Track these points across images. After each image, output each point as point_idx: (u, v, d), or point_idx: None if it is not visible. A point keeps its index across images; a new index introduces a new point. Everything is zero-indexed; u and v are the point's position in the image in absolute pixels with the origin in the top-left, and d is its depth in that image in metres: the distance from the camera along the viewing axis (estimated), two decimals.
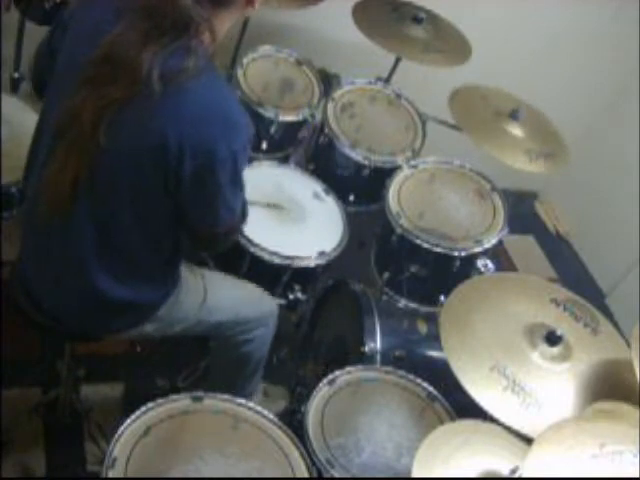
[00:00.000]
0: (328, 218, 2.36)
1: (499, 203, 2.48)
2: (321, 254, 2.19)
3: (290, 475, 1.60)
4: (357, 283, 2.31)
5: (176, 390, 1.99)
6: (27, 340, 2.27)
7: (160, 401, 1.63)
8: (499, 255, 3.04)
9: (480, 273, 2.19)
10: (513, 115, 2.43)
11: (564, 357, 1.66)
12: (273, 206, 2.27)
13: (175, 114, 1.45)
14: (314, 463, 1.65)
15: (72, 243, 1.61)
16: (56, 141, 1.51)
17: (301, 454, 1.64)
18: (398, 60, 2.75)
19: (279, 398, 2.39)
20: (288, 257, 2.14)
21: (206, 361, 2.34)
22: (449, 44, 2.68)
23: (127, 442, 1.54)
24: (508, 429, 1.56)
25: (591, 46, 3.26)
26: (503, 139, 2.41)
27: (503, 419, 1.55)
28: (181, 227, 1.66)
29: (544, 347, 1.65)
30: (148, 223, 1.60)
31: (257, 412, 1.68)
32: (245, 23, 2.69)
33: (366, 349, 2.08)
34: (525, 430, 1.54)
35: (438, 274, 2.32)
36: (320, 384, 1.85)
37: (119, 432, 1.54)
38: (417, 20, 2.64)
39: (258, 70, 2.61)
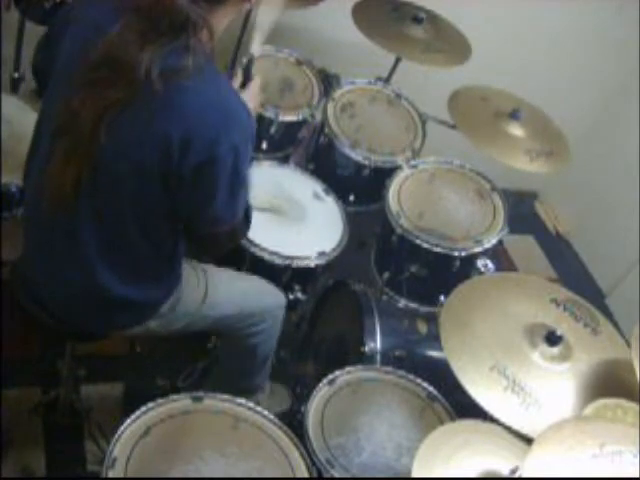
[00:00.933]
0: (328, 218, 2.36)
1: (499, 203, 2.48)
2: (321, 254, 2.19)
3: (290, 475, 1.60)
4: (357, 283, 2.31)
5: (176, 390, 2.00)
6: (27, 340, 2.27)
7: (160, 401, 1.63)
8: (499, 255, 3.03)
9: (480, 273, 2.19)
10: (513, 115, 2.44)
11: (564, 357, 1.66)
12: (272, 210, 2.27)
13: (177, 112, 1.45)
14: (314, 463, 1.65)
15: (75, 241, 1.61)
16: (56, 141, 1.51)
17: (301, 454, 1.64)
18: (398, 60, 2.75)
19: (285, 397, 2.39)
20: (288, 257, 2.14)
21: (205, 362, 2.34)
22: (449, 44, 2.68)
23: (127, 442, 1.54)
24: (508, 429, 1.56)
25: (591, 46, 3.26)
26: (504, 139, 2.41)
27: (503, 419, 1.55)
28: (182, 227, 1.66)
29: (544, 347, 1.65)
30: (149, 221, 1.60)
31: (257, 412, 1.68)
32: (245, 23, 2.69)
33: (366, 349, 2.08)
34: (525, 430, 1.54)
35: (438, 274, 2.32)
36: (320, 384, 1.85)
37: (119, 432, 1.54)
38: (417, 20, 2.64)
39: (258, 70, 2.60)
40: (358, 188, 2.53)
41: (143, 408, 1.60)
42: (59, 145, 1.50)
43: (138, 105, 1.44)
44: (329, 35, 2.97)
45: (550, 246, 3.73)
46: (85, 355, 2.10)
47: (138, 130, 1.46)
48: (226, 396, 1.69)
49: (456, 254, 2.28)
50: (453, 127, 2.51)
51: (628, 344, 1.64)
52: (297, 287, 2.22)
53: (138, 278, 1.69)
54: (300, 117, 2.52)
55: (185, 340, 2.10)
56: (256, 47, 2.14)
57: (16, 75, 2.37)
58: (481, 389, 1.57)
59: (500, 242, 2.37)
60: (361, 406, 1.83)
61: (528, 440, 1.50)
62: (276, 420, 1.68)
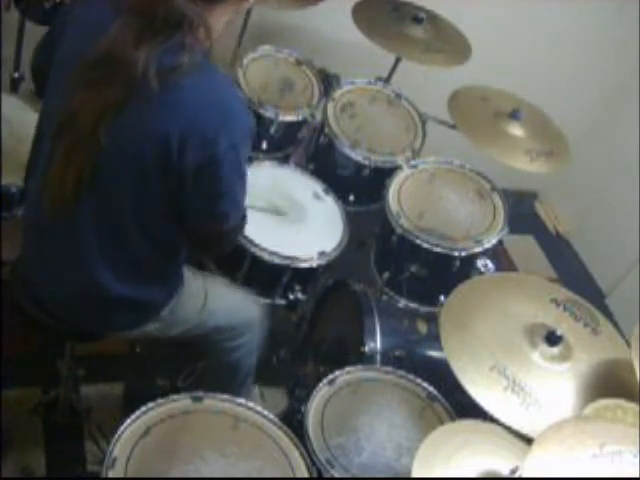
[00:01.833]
0: (328, 218, 2.36)
1: (499, 203, 2.48)
2: (321, 254, 2.19)
3: (290, 475, 1.60)
4: (357, 283, 2.31)
5: (176, 390, 2.00)
6: (27, 340, 2.27)
7: (160, 401, 1.63)
8: (499, 255, 3.03)
9: (480, 273, 2.19)
10: (513, 115, 2.44)
11: (564, 357, 1.66)
12: (272, 210, 2.27)
13: (174, 111, 1.45)
14: (314, 463, 1.65)
15: (75, 241, 1.61)
16: (56, 142, 1.51)
17: (301, 454, 1.64)
18: (398, 60, 2.75)
19: (277, 401, 2.39)
20: (288, 257, 2.14)
21: (205, 362, 2.34)
22: (449, 44, 2.68)
23: (127, 442, 1.54)
24: (508, 429, 1.56)
25: (591, 46, 3.26)
26: (504, 139, 2.41)
27: (503, 419, 1.55)
28: (183, 229, 1.65)
29: (544, 347, 1.65)
30: (149, 221, 1.60)
31: (257, 412, 1.68)
32: (245, 23, 2.70)
33: (366, 349, 2.08)
34: (525, 430, 1.54)
35: (438, 274, 2.32)
36: (320, 384, 1.85)
37: (119, 432, 1.54)
38: (417, 20, 2.64)
39: (258, 70, 2.61)
40: (358, 188, 2.53)
41: (143, 408, 1.60)
42: (59, 146, 1.50)
43: (136, 104, 1.43)
44: (329, 35, 2.97)
45: (550, 246, 3.73)
46: (85, 355, 2.10)
47: (136, 129, 1.46)
48: (226, 396, 1.69)
49: (456, 254, 2.28)
50: (453, 127, 2.51)
51: (628, 344, 1.64)
52: (297, 287, 2.22)
53: (138, 279, 1.69)
54: (300, 117, 2.52)
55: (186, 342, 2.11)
56: None
57: (16, 75, 2.37)
58: (481, 389, 1.57)
59: (500, 242, 2.37)
60: (361, 406, 1.83)
61: (528, 440, 1.50)
62: (276, 420, 1.68)
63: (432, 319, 2.22)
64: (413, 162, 2.53)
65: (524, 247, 3.65)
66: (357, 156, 2.47)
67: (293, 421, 1.95)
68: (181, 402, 1.65)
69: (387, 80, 2.78)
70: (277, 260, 2.13)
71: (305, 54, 2.71)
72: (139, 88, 1.41)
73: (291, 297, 2.22)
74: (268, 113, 2.46)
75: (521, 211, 3.68)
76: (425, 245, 2.27)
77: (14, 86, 2.39)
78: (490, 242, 2.32)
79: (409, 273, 2.35)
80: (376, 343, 2.10)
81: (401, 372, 1.93)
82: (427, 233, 2.30)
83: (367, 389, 1.88)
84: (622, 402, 1.55)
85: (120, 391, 2.38)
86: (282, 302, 2.23)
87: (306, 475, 1.61)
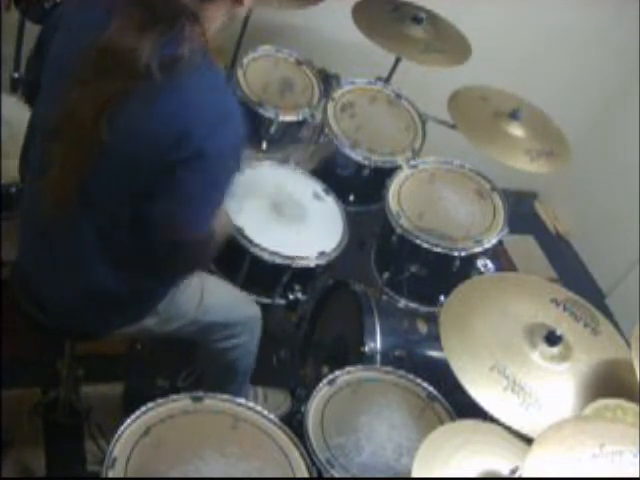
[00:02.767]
0: (328, 218, 2.36)
1: (499, 203, 2.48)
2: (321, 254, 2.19)
3: (290, 475, 1.60)
4: (357, 283, 2.31)
5: (176, 390, 2.00)
6: (27, 340, 2.27)
7: (160, 401, 1.62)
8: (499, 255, 3.03)
9: (480, 273, 2.19)
10: (513, 115, 2.44)
11: (564, 357, 1.66)
12: (272, 210, 2.26)
13: (170, 112, 1.43)
14: (314, 463, 1.65)
15: (74, 239, 1.60)
16: (53, 142, 1.50)
17: (301, 454, 1.63)
18: (398, 60, 2.75)
19: (282, 402, 2.39)
20: (288, 257, 2.14)
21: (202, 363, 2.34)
22: (449, 44, 2.68)
23: (127, 442, 1.53)
24: (508, 429, 1.56)
25: (591, 46, 3.26)
26: (504, 139, 2.41)
27: (503, 419, 1.55)
28: (142, 229, 1.57)
29: (544, 347, 1.65)
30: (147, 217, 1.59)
31: (257, 412, 1.68)
32: (245, 23, 2.70)
33: (366, 349, 2.08)
34: (525, 430, 1.54)
35: (438, 274, 2.32)
36: (320, 384, 1.85)
37: (119, 432, 1.54)
38: (417, 20, 2.64)
39: (258, 70, 2.61)
40: (358, 188, 2.53)
41: (143, 408, 1.60)
42: (56, 150, 1.49)
43: (138, 99, 1.43)
44: (329, 35, 2.97)
45: (550, 246, 3.73)
46: (85, 355, 2.10)
47: (136, 124, 1.45)
48: (226, 396, 1.69)
49: (456, 254, 2.28)
50: (453, 127, 2.51)
51: (628, 344, 1.64)
52: (297, 287, 2.22)
53: (135, 272, 1.68)
54: (300, 117, 2.52)
55: (184, 340, 2.11)
56: None
57: (16, 75, 2.37)
58: (481, 389, 1.57)
59: (500, 242, 2.37)
60: (361, 406, 1.83)
61: (528, 440, 1.50)
62: (276, 420, 1.68)
63: (432, 319, 2.22)
64: (413, 162, 2.53)
65: (524, 247, 3.65)
66: (357, 156, 2.47)
67: (293, 421, 1.96)
68: (181, 402, 1.64)
69: (387, 80, 2.78)
70: (277, 260, 2.13)
71: (305, 54, 2.71)
72: (142, 82, 1.40)
73: (291, 297, 2.22)
74: (268, 113, 2.46)
75: (521, 211, 3.68)
76: (425, 245, 2.27)
77: (14, 86, 2.39)
78: (490, 242, 2.32)
79: (409, 273, 2.35)
80: (376, 343, 2.11)
81: (401, 372, 1.93)
82: (427, 233, 2.30)
83: (367, 389, 1.88)
84: (622, 402, 1.55)
85: (120, 391, 2.38)
86: (282, 302, 2.23)
87: (306, 475, 1.61)
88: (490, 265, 2.21)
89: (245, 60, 2.61)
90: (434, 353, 2.15)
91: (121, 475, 1.48)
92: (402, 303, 2.38)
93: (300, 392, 2.32)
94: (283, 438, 1.65)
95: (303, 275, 2.20)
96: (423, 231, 2.30)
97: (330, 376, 1.87)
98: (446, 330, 1.67)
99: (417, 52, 2.60)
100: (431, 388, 1.89)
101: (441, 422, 1.82)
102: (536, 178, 3.40)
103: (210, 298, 1.91)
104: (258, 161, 2.44)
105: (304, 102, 2.58)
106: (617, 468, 1.30)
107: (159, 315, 1.81)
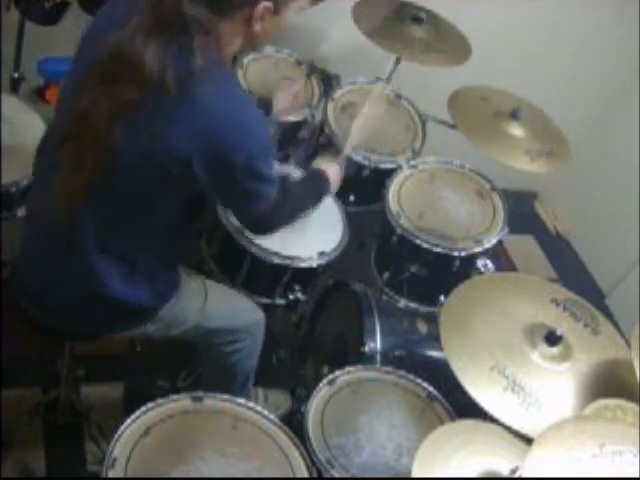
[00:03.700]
0: (328, 218, 2.35)
1: (499, 203, 2.48)
2: (321, 254, 2.19)
3: (290, 475, 1.60)
4: (357, 283, 2.31)
5: (176, 390, 1.99)
6: (27, 340, 2.27)
7: (160, 401, 1.63)
8: (499, 255, 3.04)
9: (480, 273, 2.19)
10: (513, 115, 2.43)
11: (564, 357, 1.66)
12: None
13: (189, 126, 1.44)
14: (314, 463, 1.65)
15: (75, 241, 1.60)
16: (64, 145, 1.50)
17: (301, 454, 1.63)
18: (398, 60, 2.74)
19: (282, 402, 2.39)
20: (288, 257, 2.14)
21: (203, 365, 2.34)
22: (449, 44, 2.67)
23: (127, 442, 1.54)
24: (508, 429, 1.56)
25: (591, 46, 3.26)
26: (504, 139, 2.41)
27: (503, 419, 1.55)
28: (178, 232, 1.66)
29: (544, 347, 1.65)
30: (151, 224, 1.60)
31: (257, 412, 1.68)
32: None
33: (366, 349, 2.08)
34: (525, 430, 1.54)
35: (438, 274, 2.32)
36: (320, 384, 1.85)
37: (119, 432, 1.54)
38: (417, 20, 2.64)
39: (258, 70, 2.61)
40: (358, 188, 2.53)
41: (143, 408, 1.60)
42: (67, 153, 1.49)
43: (152, 109, 1.42)
44: (329, 35, 2.97)
45: (550, 246, 3.73)
46: (85, 355, 2.11)
47: (152, 136, 1.45)
48: (226, 396, 1.69)
49: (456, 254, 2.28)
50: (453, 127, 2.51)
51: (628, 344, 1.64)
52: (297, 287, 2.22)
53: (137, 278, 1.69)
54: (300, 117, 2.52)
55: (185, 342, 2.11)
56: (348, 148, 2.25)
57: (16, 75, 2.37)
58: (481, 389, 1.57)
59: (500, 242, 2.37)
60: (361, 406, 1.83)
61: (528, 440, 1.50)
62: (276, 420, 1.68)
63: (432, 319, 2.22)
64: (413, 162, 2.53)
65: (524, 247, 3.65)
66: (357, 156, 2.47)
67: (293, 421, 1.96)
68: (181, 402, 1.65)
69: (387, 80, 2.78)
70: (277, 260, 2.13)
71: (305, 54, 2.71)
72: (155, 92, 1.40)
73: (291, 297, 2.22)
74: None
75: (521, 211, 3.68)
76: (425, 245, 2.27)
77: (14, 86, 2.39)
78: (490, 242, 2.32)
79: (409, 273, 2.35)
80: (376, 343, 2.10)
81: (401, 372, 1.93)
82: (427, 233, 2.30)
83: (367, 389, 1.88)
84: (622, 402, 1.55)
85: (120, 391, 2.38)
86: (282, 302, 2.23)
87: (306, 475, 1.61)
88: (490, 265, 2.20)
89: (245, 60, 2.61)
90: (434, 353, 2.15)
91: (121, 475, 1.48)
92: (402, 303, 2.38)
93: (300, 392, 2.32)
94: (283, 438, 1.65)
95: (303, 275, 2.20)
96: (423, 231, 2.30)
97: (330, 376, 1.87)
98: (446, 330, 1.67)
99: (417, 52, 2.60)
100: (431, 388, 1.89)
101: (441, 422, 1.82)
102: (536, 178, 3.40)
103: (214, 304, 1.91)
104: None
105: (304, 102, 2.58)
106: (617, 468, 1.30)
107: (161, 322, 1.81)
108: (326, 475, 1.66)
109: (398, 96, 2.71)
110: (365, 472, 1.70)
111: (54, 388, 2.20)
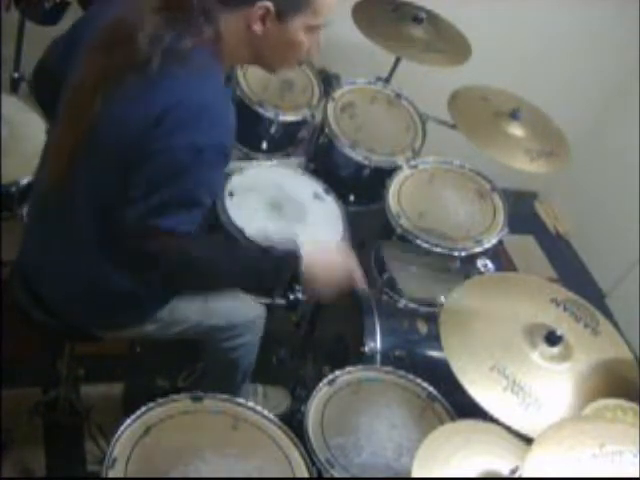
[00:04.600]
0: (328, 218, 2.36)
1: (499, 203, 2.48)
2: None
3: (290, 475, 1.60)
4: None
5: (176, 390, 2.00)
6: (27, 340, 2.27)
7: (160, 401, 1.62)
8: (499, 255, 3.03)
9: (480, 273, 2.19)
10: (513, 115, 2.44)
11: (564, 357, 1.65)
12: (272, 210, 2.26)
13: (153, 98, 1.42)
14: (314, 463, 1.65)
15: (73, 233, 1.60)
16: (64, 112, 1.52)
17: (301, 454, 1.63)
18: (398, 60, 2.75)
19: (282, 400, 2.39)
20: None
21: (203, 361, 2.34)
22: (449, 44, 2.68)
23: (127, 442, 1.53)
24: (508, 429, 1.56)
25: (591, 46, 3.26)
26: (504, 139, 2.41)
27: (503, 419, 1.55)
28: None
29: (544, 347, 1.65)
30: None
31: (257, 412, 1.68)
32: None
33: (366, 349, 2.08)
34: (525, 430, 1.54)
35: (438, 274, 2.32)
36: (320, 384, 1.84)
37: (119, 432, 1.54)
38: (417, 20, 2.64)
39: (258, 70, 2.58)
40: (358, 188, 2.53)
41: (143, 408, 1.60)
42: (58, 128, 1.51)
43: (132, 80, 1.42)
44: (329, 35, 2.96)
45: (550, 246, 3.73)
46: (85, 355, 2.11)
47: (124, 106, 1.44)
48: (226, 396, 1.69)
49: (456, 254, 2.28)
50: (453, 127, 2.51)
51: (628, 344, 1.64)
52: (297, 287, 2.22)
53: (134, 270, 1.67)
54: (300, 117, 2.52)
55: (184, 340, 2.11)
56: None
57: (16, 75, 2.37)
58: (481, 389, 1.57)
59: (500, 242, 2.37)
60: (361, 406, 1.83)
61: (528, 440, 1.50)
62: (276, 420, 1.68)
63: (432, 319, 2.22)
64: (413, 162, 2.53)
65: (524, 247, 3.65)
66: (357, 156, 2.47)
67: (293, 421, 1.95)
68: (181, 402, 1.64)
69: (387, 80, 2.78)
70: None
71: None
72: (141, 65, 1.40)
73: (291, 297, 2.21)
74: (268, 113, 2.46)
75: (521, 211, 3.68)
76: (425, 245, 2.27)
77: (14, 86, 2.38)
78: (490, 242, 2.32)
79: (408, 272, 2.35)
80: (376, 343, 2.10)
81: (401, 372, 1.93)
82: (427, 233, 2.30)
83: (367, 389, 1.88)
84: (622, 402, 1.55)
85: (120, 391, 2.38)
86: (282, 302, 2.23)
87: (306, 475, 1.61)
88: (490, 265, 2.20)
89: None
90: (434, 353, 2.14)
91: (121, 475, 1.48)
92: (402, 303, 2.38)
93: (300, 392, 2.32)
94: (283, 438, 1.65)
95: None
96: (423, 231, 2.30)
97: (330, 376, 1.87)
98: (446, 330, 1.67)
99: (417, 52, 2.60)
100: (431, 388, 1.89)
101: (441, 422, 1.81)
102: (536, 178, 3.40)
103: (214, 302, 1.90)
104: (258, 161, 2.44)
105: (304, 102, 2.58)
106: (617, 468, 1.30)
107: (161, 321, 1.81)
108: (326, 475, 1.66)
109: (398, 96, 2.71)
110: (365, 472, 1.69)
111: (54, 388, 2.20)
